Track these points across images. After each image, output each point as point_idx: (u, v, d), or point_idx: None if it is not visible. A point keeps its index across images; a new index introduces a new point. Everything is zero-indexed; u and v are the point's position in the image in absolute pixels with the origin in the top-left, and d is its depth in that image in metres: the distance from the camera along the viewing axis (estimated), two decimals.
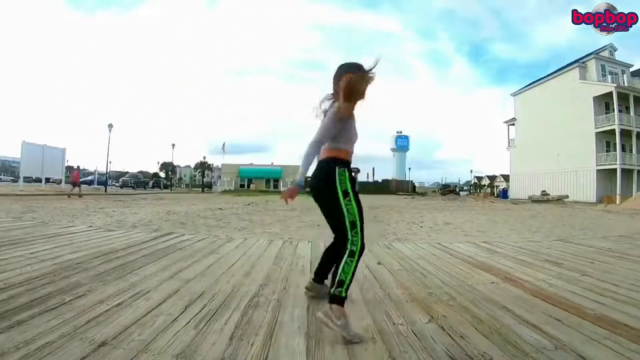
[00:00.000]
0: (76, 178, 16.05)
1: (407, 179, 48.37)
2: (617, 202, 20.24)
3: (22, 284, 2.07)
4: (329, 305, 1.59)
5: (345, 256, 1.66)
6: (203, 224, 6.29)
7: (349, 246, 1.67)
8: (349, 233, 1.68)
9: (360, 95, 1.71)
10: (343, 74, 1.67)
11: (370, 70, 1.68)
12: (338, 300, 1.59)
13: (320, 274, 2.04)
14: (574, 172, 26.39)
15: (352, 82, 1.63)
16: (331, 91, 1.82)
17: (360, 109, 1.76)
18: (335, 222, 1.78)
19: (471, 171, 69.65)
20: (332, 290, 1.62)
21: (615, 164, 24.13)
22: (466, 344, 1.48)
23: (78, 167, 18.20)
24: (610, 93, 24.37)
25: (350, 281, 1.63)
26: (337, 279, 1.63)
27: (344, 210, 1.69)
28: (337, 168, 1.71)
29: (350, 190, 1.70)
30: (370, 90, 1.72)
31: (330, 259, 1.91)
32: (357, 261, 1.67)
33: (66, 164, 24.03)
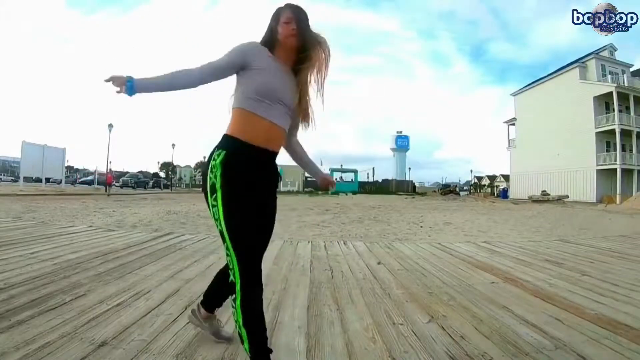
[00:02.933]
0: (109, 180, 20.05)
1: (407, 179, 48.33)
2: (617, 202, 20.24)
3: (22, 284, 2.07)
4: None
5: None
6: (203, 224, 6.29)
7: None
8: None
9: None
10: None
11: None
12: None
13: (208, 299, 1.46)
14: (574, 172, 26.39)
15: None
16: None
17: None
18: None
19: (471, 171, 69.56)
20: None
21: (615, 164, 24.13)
22: (466, 344, 1.48)
23: (110, 170, 20.55)
24: (611, 93, 24.37)
25: (248, 335, 1.09)
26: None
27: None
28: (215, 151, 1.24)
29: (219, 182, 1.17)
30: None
31: (220, 282, 1.39)
32: (242, 305, 1.09)
33: (66, 164, 24.27)
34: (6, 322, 1.52)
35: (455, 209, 12.78)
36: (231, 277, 1.12)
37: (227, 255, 1.13)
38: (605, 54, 27.09)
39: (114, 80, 1.11)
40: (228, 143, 1.17)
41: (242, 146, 1.16)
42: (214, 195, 1.15)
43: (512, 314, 1.84)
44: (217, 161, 1.15)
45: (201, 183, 1.26)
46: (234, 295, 1.10)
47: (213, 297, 1.44)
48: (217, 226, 1.16)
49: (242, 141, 1.16)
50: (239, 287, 1.09)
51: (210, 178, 1.16)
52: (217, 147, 1.19)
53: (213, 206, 1.17)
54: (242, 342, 1.10)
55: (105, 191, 18.89)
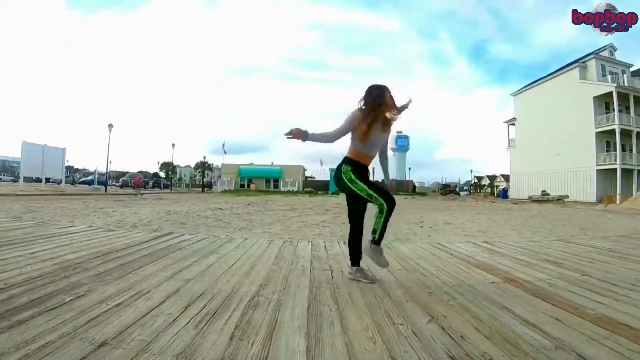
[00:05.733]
0: (138, 182, 23.00)
1: (407, 179, 48.34)
2: (617, 202, 20.25)
3: (22, 284, 2.07)
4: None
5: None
6: (203, 224, 6.30)
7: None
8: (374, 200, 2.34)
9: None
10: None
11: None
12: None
13: (356, 259, 2.52)
14: (574, 172, 26.41)
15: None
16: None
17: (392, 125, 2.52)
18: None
19: (471, 171, 69.38)
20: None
21: (615, 164, 24.15)
22: (466, 344, 1.48)
23: (139, 173, 22.60)
24: (610, 93, 24.39)
25: (381, 230, 2.38)
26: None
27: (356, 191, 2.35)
28: (343, 165, 2.40)
29: (354, 178, 2.35)
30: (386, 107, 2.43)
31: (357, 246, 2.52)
32: (387, 215, 2.34)
33: (66, 164, 24.53)
34: (6, 322, 1.52)
35: (455, 209, 12.77)
36: (380, 207, 2.29)
37: (376, 200, 2.29)
38: (605, 54, 27.12)
39: (296, 134, 2.18)
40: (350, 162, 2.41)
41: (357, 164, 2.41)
42: (355, 182, 2.33)
43: (512, 314, 1.84)
44: (349, 169, 2.36)
45: (336, 181, 2.46)
46: (381, 213, 2.30)
47: (357, 255, 2.50)
48: (364, 192, 2.31)
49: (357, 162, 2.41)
50: (386, 207, 2.28)
51: (345, 175, 2.36)
52: (342, 163, 2.41)
53: (358, 186, 2.32)
54: (375, 233, 2.37)
55: (136, 193, 20.75)
